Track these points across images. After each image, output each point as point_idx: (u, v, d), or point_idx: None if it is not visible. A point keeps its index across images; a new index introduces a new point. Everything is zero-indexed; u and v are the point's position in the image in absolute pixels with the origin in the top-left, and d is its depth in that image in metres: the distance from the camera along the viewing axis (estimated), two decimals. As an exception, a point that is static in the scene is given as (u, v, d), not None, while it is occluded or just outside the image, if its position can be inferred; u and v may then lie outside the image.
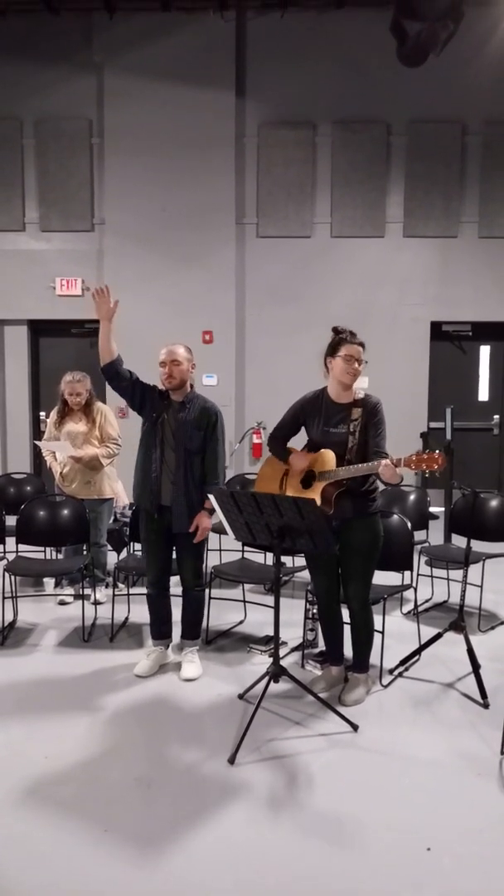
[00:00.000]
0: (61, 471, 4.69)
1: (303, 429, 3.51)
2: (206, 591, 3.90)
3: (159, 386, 3.66)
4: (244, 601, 4.58)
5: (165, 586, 3.80)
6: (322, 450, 3.32)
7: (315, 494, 3.23)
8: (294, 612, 4.27)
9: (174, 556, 3.78)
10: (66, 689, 3.54)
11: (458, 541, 4.85)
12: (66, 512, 4.43)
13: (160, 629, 3.83)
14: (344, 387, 3.35)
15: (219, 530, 4.77)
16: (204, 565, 3.81)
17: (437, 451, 3.10)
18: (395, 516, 3.87)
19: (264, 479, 3.60)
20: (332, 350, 3.36)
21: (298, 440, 3.52)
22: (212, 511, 3.55)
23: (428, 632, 3.84)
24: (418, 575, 4.31)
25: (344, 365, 3.29)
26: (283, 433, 3.53)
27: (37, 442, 4.92)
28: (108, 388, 6.73)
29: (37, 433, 8.02)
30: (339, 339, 3.35)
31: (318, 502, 3.18)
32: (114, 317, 3.59)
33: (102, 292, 3.56)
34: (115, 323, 3.60)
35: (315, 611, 3.97)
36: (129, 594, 4.53)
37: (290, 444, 3.55)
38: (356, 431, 3.27)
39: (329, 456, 3.29)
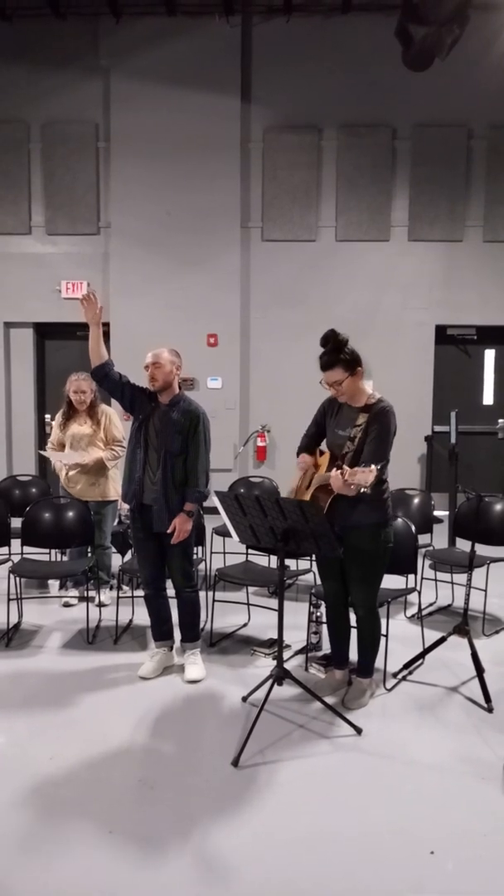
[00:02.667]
0: (66, 472, 4.71)
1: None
2: (200, 592, 3.84)
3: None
4: (248, 604, 4.59)
5: (161, 587, 3.79)
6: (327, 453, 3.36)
7: (309, 496, 3.26)
8: (298, 615, 4.26)
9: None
10: (71, 691, 3.55)
11: (463, 544, 4.84)
12: (70, 514, 4.45)
13: (160, 630, 3.84)
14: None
15: (223, 533, 4.78)
16: (195, 567, 3.78)
17: (373, 466, 2.81)
18: (400, 520, 3.86)
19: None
20: None
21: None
22: (191, 514, 3.56)
23: (432, 635, 3.83)
24: (422, 578, 4.32)
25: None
26: (310, 432, 3.53)
27: (42, 452, 4.92)
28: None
29: (42, 435, 8.05)
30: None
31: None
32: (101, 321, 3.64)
33: (90, 298, 3.60)
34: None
35: (319, 614, 3.98)
36: (132, 596, 4.54)
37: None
38: (356, 437, 3.20)
39: (324, 460, 3.31)
